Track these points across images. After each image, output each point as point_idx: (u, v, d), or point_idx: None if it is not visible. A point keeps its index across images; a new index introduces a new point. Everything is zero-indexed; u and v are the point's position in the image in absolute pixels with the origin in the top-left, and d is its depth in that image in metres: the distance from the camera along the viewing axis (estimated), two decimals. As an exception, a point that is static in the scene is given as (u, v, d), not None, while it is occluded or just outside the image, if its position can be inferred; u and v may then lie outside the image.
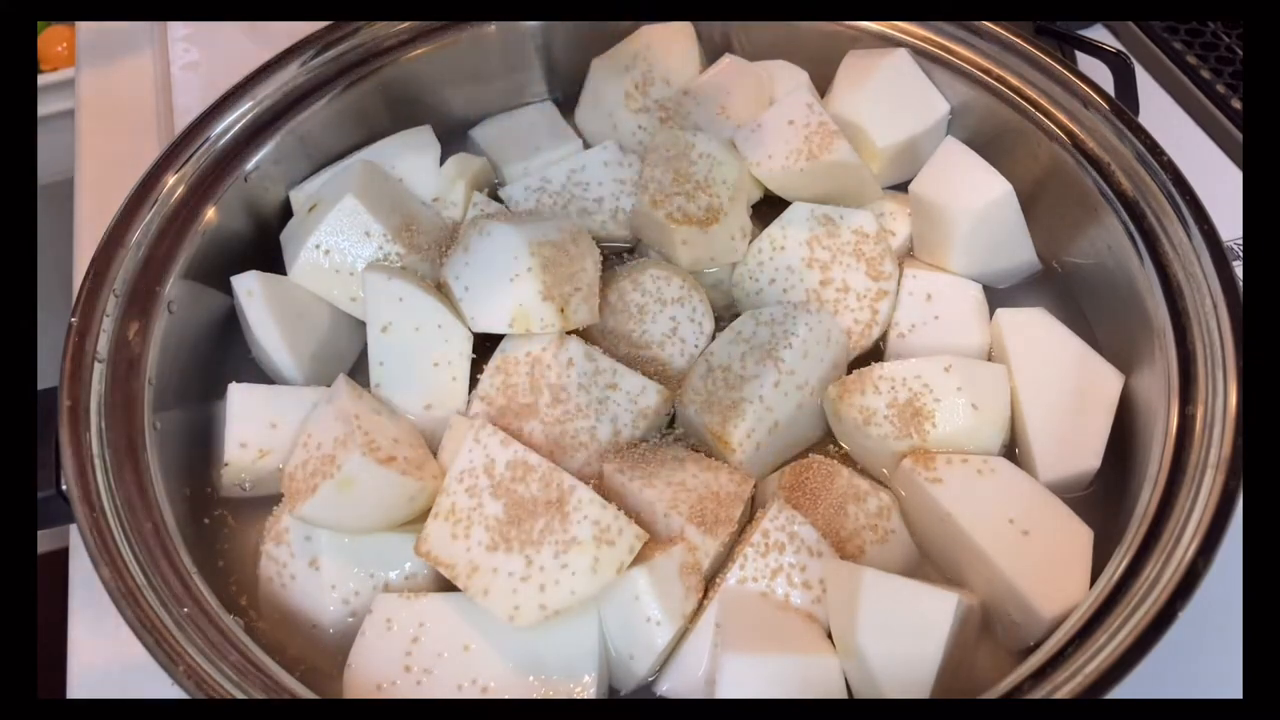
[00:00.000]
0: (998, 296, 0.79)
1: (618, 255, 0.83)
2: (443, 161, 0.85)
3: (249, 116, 0.79)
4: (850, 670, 0.60)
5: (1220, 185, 0.80)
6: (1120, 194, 0.72)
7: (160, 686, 0.55)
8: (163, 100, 1.07)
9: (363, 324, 0.76)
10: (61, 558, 0.76)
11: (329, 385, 0.72)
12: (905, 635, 0.58)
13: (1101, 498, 0.68)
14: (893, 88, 0.81)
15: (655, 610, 0.61)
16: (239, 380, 0.72)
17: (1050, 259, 0.80)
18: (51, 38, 1.53)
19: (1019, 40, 0.79)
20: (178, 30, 1.13)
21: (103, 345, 0.67)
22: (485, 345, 0.73)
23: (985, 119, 0.81)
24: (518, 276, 0.70)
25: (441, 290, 0.75)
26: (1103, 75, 0.83)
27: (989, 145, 0.80)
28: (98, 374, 0.66)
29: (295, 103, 0.81)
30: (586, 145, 0.90)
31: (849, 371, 0.75)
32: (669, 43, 0.88)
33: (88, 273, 0.69)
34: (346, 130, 0.85)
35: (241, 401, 0.71)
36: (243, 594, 0.67)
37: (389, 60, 0.85)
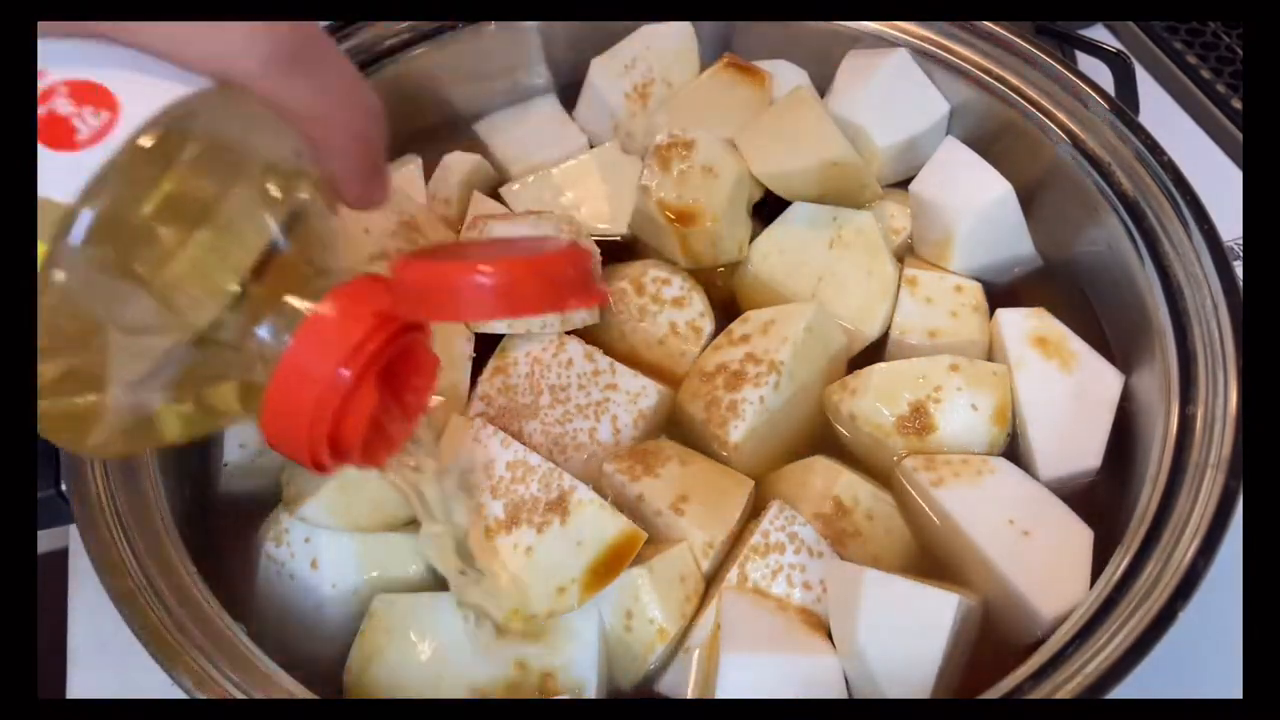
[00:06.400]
0: (998, 295, 0.79)
1: (617, 255, 0.83)
2: (437, 162, 0.85)
3: (249, 116, 0.79)
4: (850, 670, 0.60)
5: (1220, 185, 0.80)
6: (1120, 194, 0.72)
7: (160, 686, 0.55)
8: (163, 100, 1.07)
9: (362, 323, 0.76)
10: (61, 558, 0.76)
11: (329, 385, 0.72)
12: (906, 635, 0.58)
13: (1101, 498, 0.68)
14: (893, 88, 0.81)
15: (655, 610, 0.61)
16: (239, 380, 0.72)
17: (1050, 258, 0.80)
18: (51, 37, 1.52)
19: (1019, 40, 0.79)
20: (178, 30, 1.13)
21: (103, 345, 0.67)
22: (485, 345, 0.73)
23: (985, 119, 0.81)
24: (517, 276, 0.70)
25: (441, 290, 0.75)
26: (1103, 75, 0.83)
27: (989, 145, 0.80)
28: (98, 374, 0.66)
29: (295, 103, 0.81)
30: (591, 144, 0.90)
31: (849, 371, 0.75)
32: (669, 43, 0.88)
33: (87, 272, 0.69)
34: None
35: (241, 401, 0.71)
36: (242, 594, 0.67)
37: (389, 60, 0.85)
